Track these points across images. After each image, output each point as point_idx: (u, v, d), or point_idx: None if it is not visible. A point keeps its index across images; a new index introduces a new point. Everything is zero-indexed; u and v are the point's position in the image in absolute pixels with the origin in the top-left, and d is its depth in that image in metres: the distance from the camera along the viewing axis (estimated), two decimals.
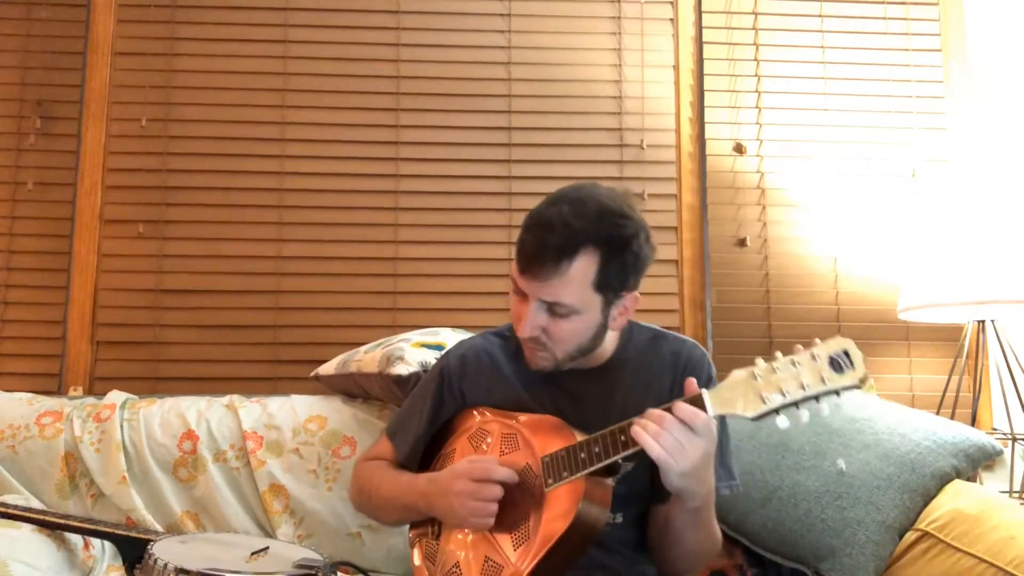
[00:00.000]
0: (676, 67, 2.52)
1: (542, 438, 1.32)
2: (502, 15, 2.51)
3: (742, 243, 2.45)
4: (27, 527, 1.55)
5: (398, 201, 2.42)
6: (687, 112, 2.50)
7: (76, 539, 1.63)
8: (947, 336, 2.40)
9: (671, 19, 2.53)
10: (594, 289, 1.29)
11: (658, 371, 1.41)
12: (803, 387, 1.10)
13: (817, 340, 1.12)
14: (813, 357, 1.11)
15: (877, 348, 2.42)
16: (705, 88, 2.50)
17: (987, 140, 2.50)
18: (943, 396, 2.23)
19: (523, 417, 1.38)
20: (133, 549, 1.51)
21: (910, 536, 1.60)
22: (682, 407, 1.16)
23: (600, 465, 1.21)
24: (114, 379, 2.23)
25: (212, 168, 2.40)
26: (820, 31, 2.54)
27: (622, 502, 1.35)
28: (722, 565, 1.82)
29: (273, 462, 1.83)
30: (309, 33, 2.46)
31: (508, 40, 2.50)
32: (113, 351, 2.32)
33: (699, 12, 2.53)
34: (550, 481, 1.25)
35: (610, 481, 1.25)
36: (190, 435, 1.85)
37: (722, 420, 1.39)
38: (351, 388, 1.97)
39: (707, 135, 2.48)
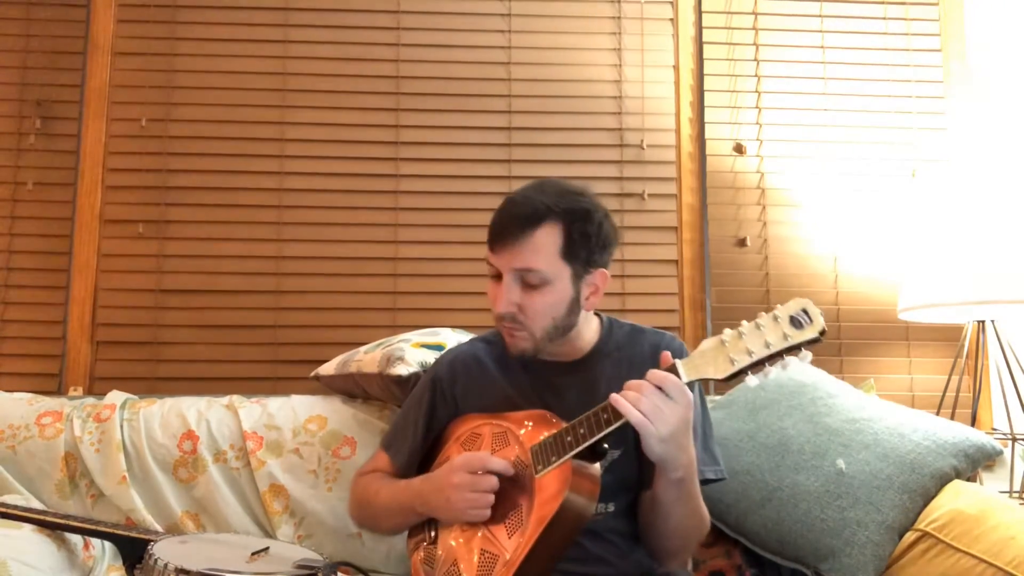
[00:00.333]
0: (676, 67, 2.52)
1: (531, 431, 1.36)
2: (502, 15, 2.51)
3: (742, 243, 2.45)
4: (27, 527, 1.54)
5: (398, 201, 2.42)
6: (687, 112, 2.50)
7: (76, 539, 1.63)
8: (947, 336, 2.40)
9: (671, 19, 2.53)
10: (561, 258, 1.37)
11: (639, 363, 1.43)
12: (767, 345, 1.19)
13: (778, 305, 1.21)
14: (775, 319, 1.20)
15: (877, 348, 2.42)
16: (705, 88, 2.50)
17: (987, 140, 2.50)
18: (943, 396, 2.23)
19: (513, 415, 1.42)
20: (133, 549, 1.51)
21: (910, 536, 1.60)
22: (655, 373, 1.24)
23: (586, 444, 1.26)
24: (114, 379, 2.23)
25: (212, 168, 2.40)
26: (820, 31, 2.54)
27: (613, 492, 1.40)
28: (721, 566, 1.82)
29: (273, 462, 1.83)
30: (309, 33, 2.46)
31: (508, 40, 2.50)
32: (113, 351, 2.32)
33: (699, 12, 2.53)
34: (539, 468, 1.29)
35: (597, 466, 1.29)
36: (190, 435, 1.85)
37: (703, 407, 1.48)
38: (351, 388, 1.97)
39: (707, 135, 2.48)
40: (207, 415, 1.89)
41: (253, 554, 1.36)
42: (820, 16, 2.55)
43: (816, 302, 2.35)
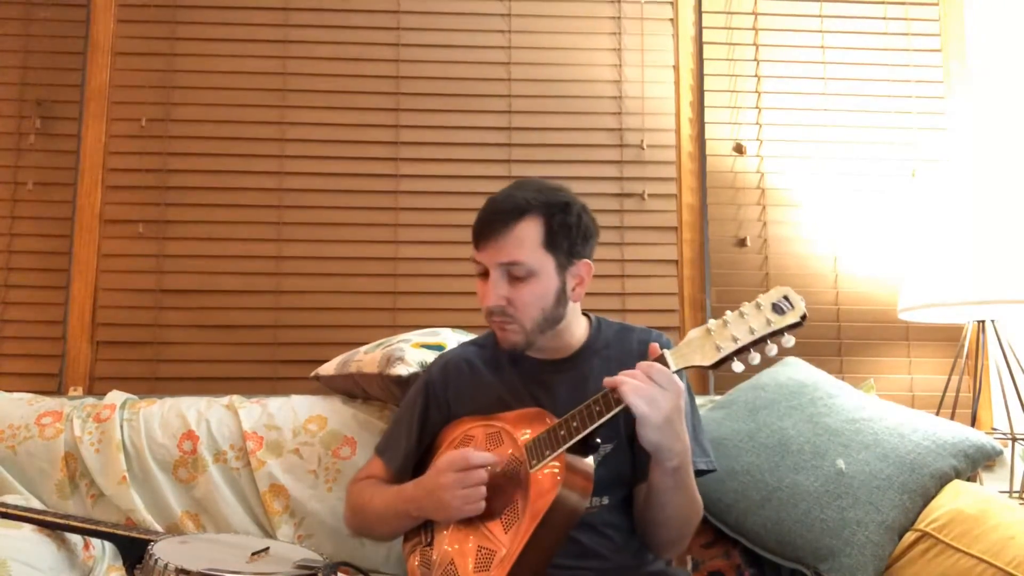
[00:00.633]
0: (676, 67, 2.52)
1: (525, 428, 1.38)
2: (502, 15, 2.51)
3: (742, 243, 2.45)
4: (27, 527, 1.54)
5: (398, 201, 2.42)
6: (687, 112, 2.50)
7: (76, 539, 1.63)
8: (947, 336, 2.40)
9: (671, 19, 2.53)
10: (544, 249, 1.42)
11: (628, 359, 1.44)
12: (752, 331, 1.23)
13: (760, 293, 1.26)
14: (758, 306, 1.24)
15: (877, 348, 2.42)
16: (705, 88, 2.50)
17: (987, 140, 2.50)
18: (943, 396, 2.23)
19: (506, 415, 1.44)
20: (133, 549, 1.51)
21: (909, 536, 1.60)
22: (643, 363, 1.26)
23: (580, 436, 1.27)
24: (114, 379, 2.23)
25: (212, 168, 2.40)
26: (820, 31, 2.54)
27: (607, 485, 1.42)
28: (720, 566, 1.82)
29: (273, 462, 1.83)
30: (309, 33, 2.46)
31: (508, 40, 2.50)
32: (113, 351, 2.32)
33: (699, 12, 2.53)
34: (534, 462, 1.31)
35: (590, 459, 1.31)
36: (190, 435, 1.85)
37: (691, 400, 1.51)
38: (351, 388, 1.97)
39: (707, 135, 2.48)
40: (207, 415, 1.89)
41: (253, 554, 1.36)
42: (820, 16, 2.55)
43: (816, 302, 2.42)
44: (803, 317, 1.22)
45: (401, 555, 1.74)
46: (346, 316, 2.36)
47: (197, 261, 2.36)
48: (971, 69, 2.54)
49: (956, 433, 1.71)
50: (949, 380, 2.24)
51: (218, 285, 2.36)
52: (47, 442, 1.83)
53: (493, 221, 1.42)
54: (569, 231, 1.44)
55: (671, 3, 2.54)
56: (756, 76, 2.52)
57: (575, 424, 1.28)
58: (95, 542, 1.68)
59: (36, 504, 1.76)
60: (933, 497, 1.64)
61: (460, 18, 2.50)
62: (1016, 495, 2.15)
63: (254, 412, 1.90)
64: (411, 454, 1.55)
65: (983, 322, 2.23)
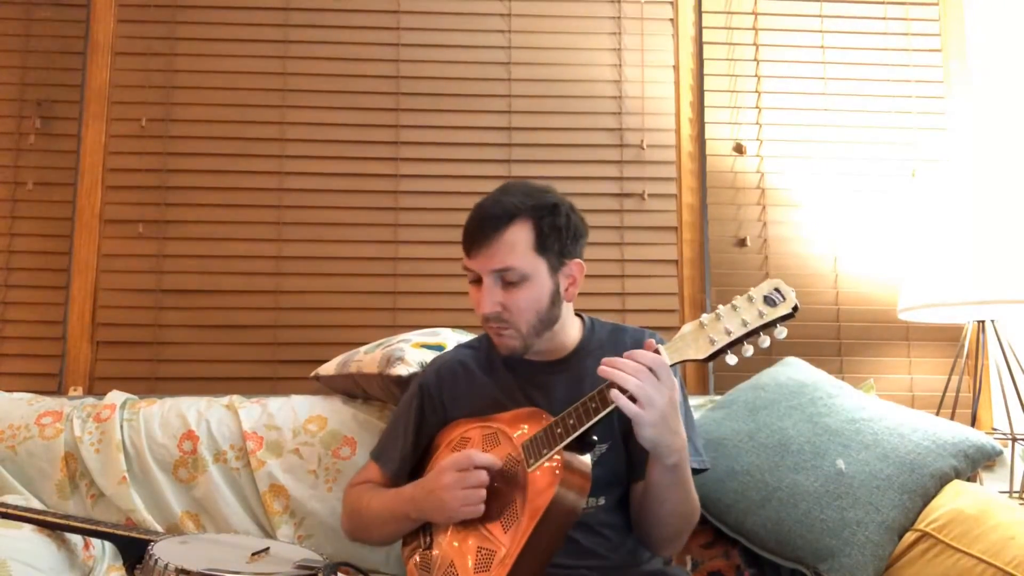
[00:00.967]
0: (676, 67, 2.52)
1: (521, 428, 1.38)
2: (502, 15, 2.51)
3: (742, 243, 2.45)
4: (27, 527, 1.54)
5: (398, 201, 2.42)
6: (687, 112, 2.50)
7: (76, 539, 1.63)
8: (947, 336, 2.40)
9: (671, 19, 2.54)
10: (535, 252, 1.42)
11: None
12: (744, 324, 1.24)
13: (752, 287, 1.27)
14: (750, 299, 1.26)
15: (877, 348, 2.42)
16: (705, 88, 2.50)
17: (987, 140, 2.50)
18: (943, 396, 2.23)
19: (502, 415, 1.44)
20: (133, 549, 1.51)
21: (909, 536, 1.60)
22: (639, 352, 1.26)
23: (576, 434, 1.28)
24: (114, 379, 2.23)
25: (212, 168, 2.40)
26: (820, 31, 2.54)
27: (604, 485, 1.42)
28: (720, 566, 1.82)
29: (273, 462, 1.83)
30: (309, 33, 2.46)
31: (508, 40, 2.50)
32: (113, 351, 2.32)
33: (699, 12, 2.53)
34: (531, 461, 1.31)
35: (587, 457, 1.31)
36: (190, 435, 1.85)
37: (684, 399, 1.51)
38: (351, 388, 1.97)
39: (707, 135, 2.48)
40: (207, 415, 1.89)
41: (253, 554, 1.36)
42: (820, 16, 2.55)
43: (816, 302, 2.42)
44: (795, 308, 1.24)
45: (401, 555, 1.74)
46: (346, 316, 2.36)
47: (197, 261, 2.36)
48: (971, 69, 2.54)
49: (956, 433, 1.71)
50: (949, 380, 2.24)
51: (218, 285, 2.36)
52: (47, 442, 1.83)
53: (483, 228, 1.42)
54: (559, 232, 1.44)
55: (671, 3, 2.54)
56: (756, 76, 2.52)
57: (571, 422, 1.28)
58: (95, 542, 1.68)
59: (36, 504, 1.76)
60: (933, 497, 1.64)
61: (460, 18, 2.50)
62: (1016, 495, 2.15)
63: (254, 412, 1.90)
64: (407, 458, 1.55)
65: (983, 322, 2.23)
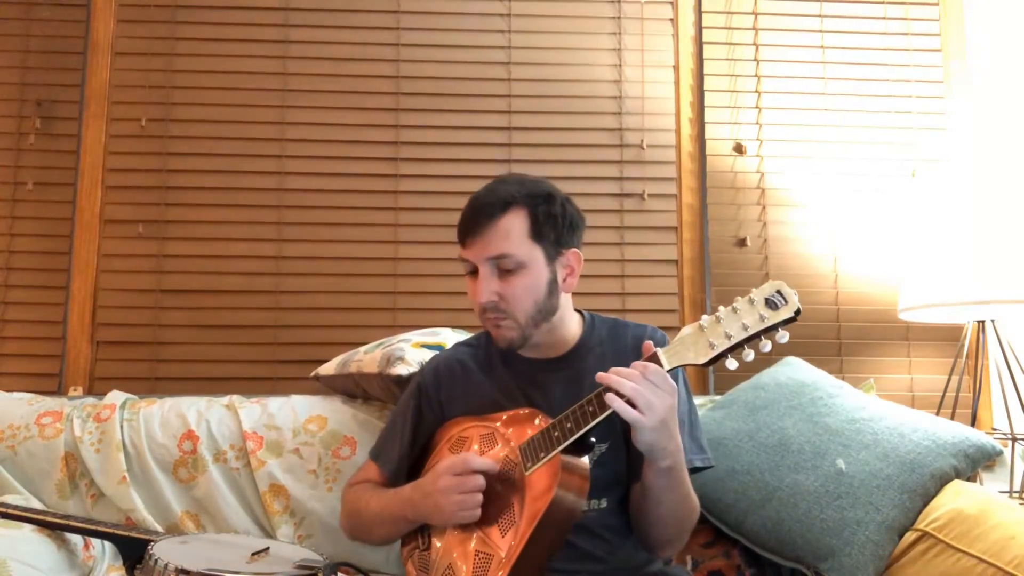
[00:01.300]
0: (676, 67, 2.52)
1: (518, 429, 1.37)
2: (502, 15, 2.51)
3: (742, 243, 2.45)
4: (27, 527, 1.55)
5: (398, 201, 2.42)
6: (687, 112, 2.50)
7: (76, 539, 1.63)
8: (947, 336, 2.40)
9: (671, 19, 2.53)
10: (531, 239, 1.41)
11: (622, 356, 1.44)
12: (745, 328, 1.20)
13: (753, 288, 1.23)
14: (751, 302, 1.22)
15: (877, 348, 2.42)
16: (705, 88, 2.50)
17: (987, 140, 2.50)
18: (943, 396, 2.23)
19: (500, 415, 1.43)
20: (133, 549, 1.51)
21: (910, 536, 1.60)
22: (638, 363, 1.25)
23: (574, 437, 1.26)
24: (114, 379, 2.23)
25: (212, 168, 2.40)
26: (820, 31, 2.54)
27: (605, 487, 1.41)
28: (720, 566, 1.82)
29: (273, 462, 1.83)
30: (309, 33, 2.46)
31: (508, 40, 2.50)
32: (113, 351, 2.32)
33: (699, 12, 2.53)
34: (529, 464, 1.30)
35: (585, 459, 1.29)
36: (190, 435, 1.85)
37: (688, 396, 1.50)
38: (351, 388, 1.97)
39: (707, 135, 2.48)
40: (207, 415, 1.89)
41: (253, 554, 1.36)
42: (820, 16, 2.55)
43: (816, 302, 2.41)
44: (797, 312, 1.20)
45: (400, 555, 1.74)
46: (346, 316, 2.36)
47: (197, 261, 2.36)
48: (971, 69, 2.54)
49: (956, 433, 1.71)
50: (949, 380, 2.24)
51: (218, 285, 2.36)
52: (47, 442, 1.83)
53: (478, 216, 1.41)
54: (555, 220, 1.43)
55: (671, 3, 2.54)
56: (756, 76, 2.52)
57: (569, 425, 1.27)
58: (95, 542, 1.68)
59: (36, 504, 1.76)
60: (933, 497, 1.64)
61: (460, 18, 2.50)
62: (1016, 495, 2.15)
63: (254, 412, 1.90)
64: (404, 457, 1.54)
65: (983, 322, 2.23)
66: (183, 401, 1.93)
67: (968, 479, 1.71)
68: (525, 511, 1.27)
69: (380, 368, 1.80)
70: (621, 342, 1.51)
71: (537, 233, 1.41)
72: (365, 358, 1.87)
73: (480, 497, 1.31)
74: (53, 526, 1.57)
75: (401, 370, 1.77)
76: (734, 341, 1.21)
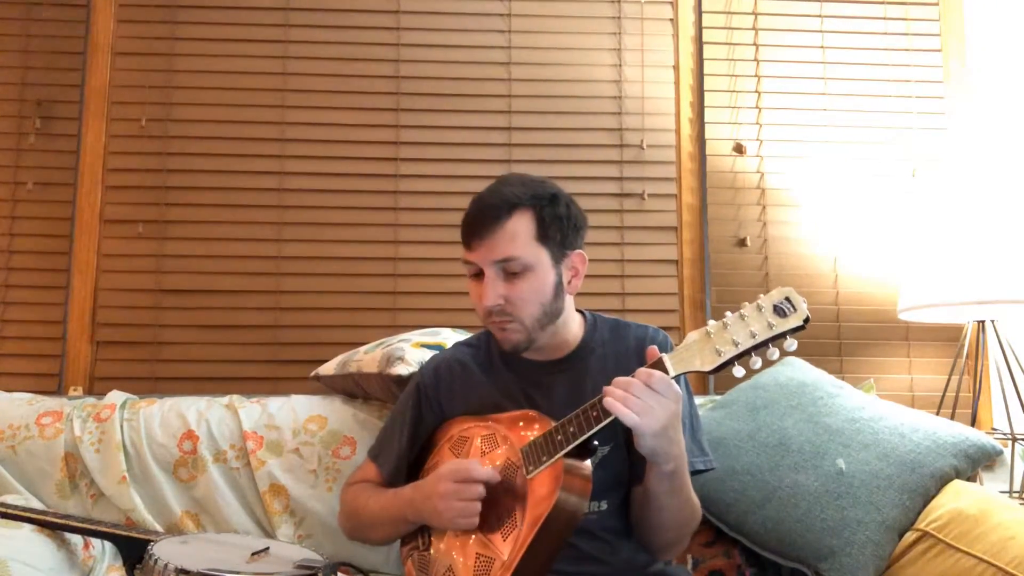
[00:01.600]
0: (676, 67, 2.52)
1: (520, 431, 1.36)
2: (502, 15, 2.51)
3: (742, 243, 2.45)
4: (27, 527, 1.54)
5: (398, 201, 2.42)
6: (687, 112, 2.50)
7: (76, 539, 1.63)
8: (947, 336, 2.40)
9: (671, 19, 2.53)
10: (537, 242, 1.39)
11: (624, 357, 1.44)
12: (753, 335, 1.19)
13: (761, 294, 1.21)
14: (759, 308, 1.20)
15: (877, 348, 2.42)
16: (705, 88, 2.50)
17: (987, 140, 2.50)
18: (943, 396, 2.23)
19: (500, 416, 1.42)
20: (133, 549, 1.51)
21: (910, 536, 1.60)
22: (643, 370, 1.23)
23: (577, 442, 1.25)
24: (114, 379, 2.24)
25: (212, 168, 2.40)
26: (820, 31, 2.54)
27: (606, 489, 1.40)
28: (720, 565, 1.82)
29: (273, 462, 1.83)
30: (309, 33, 2.46)
31: (508, 40, 2.50)
32: (113, 351, 2.32)
33: (699, 12, 2.53)
34: (531, 468, 1.29)
35: (587, 463, 1.28)
36: (190, 435, 1.85)
37: (690, 398, 1.50)
38: (351, 388, 1.97)
39: (707, 135, 2.48)
40: (207, 415, 1.89)
41: (253, 554, 1.36)
42: (820, 16, 2.55)
43: (816, 302, 2.41)
44: (806, 320, 1.18)
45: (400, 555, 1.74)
46: (346, 316, 2.36)
47: (197, 261, 2.36)
48: (971, 69, 2.54)
49: (956, 433, 1.71)
50: (949, 380, 2.24)
51: (218, 285, 2.36)
52: (47, 442, 1.83)
53: (483, 219, 1.39)
54: (560, 222, 1.41)
55: (671, 3, 2.54)
56: (756, 76, 2.52)
57: (572, 429, 1.26)
58: (95, 542, 1.67)
59: (36, 504, 1.76)
60: (933, 497, 1.64)
61: (460, 18, 2.50)
62: (1016, 495, 2.15)
63: (254, 412, 1.90)
64: (404, 457, 1.54)
65: (983, 322, 2.23)
66: (183, 401, 1.93)
67: (968, 479, 1.71)
68: (527, 515, 1.26)
69: (380, 368, 1.80)
70: (623, 343, 1.50)
71: (543, 235, 1.40)
72: (365, 358, 1.87)
73: (479, 506, 1.30)
74: (53, 526, 1.57)
75: (401, 370, 1.77)
76: (741, 349, 1.19)
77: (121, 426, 1.85)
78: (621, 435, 1.42)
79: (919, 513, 1.62)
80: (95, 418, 1.86)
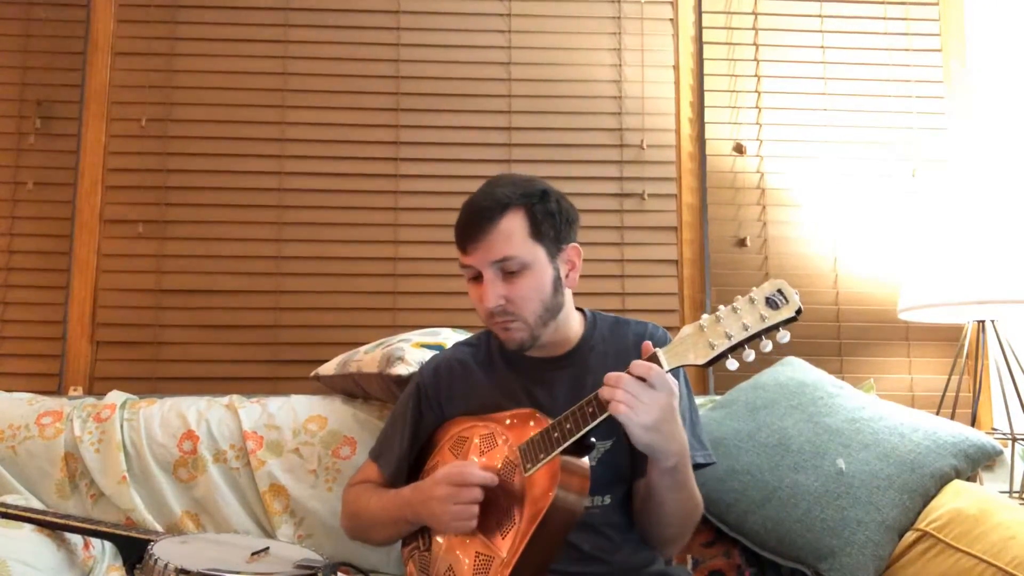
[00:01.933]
0: (676, 67, 2.52)
1: (518, 430, 1.36)
2: (502, 15, 2.51)
3: (742, 243, 2.45)
4: (27, 527, 1.54)
5: (398, 201, 2.42)
6: (687, 112, 2.50)
7: (76, 539, 1.63)
8: (947, 336, 2.40)
9: (671, 19, 2.54)
10: (532, 239, 1.41)
11: (624, 354, 1.44)
12: (745, 328, 1.19)
13: (753, 287, 1.21)
14: (751, 301, 1.20)
15: (877, 348, 2.42)
16: (705, 88, 2.50)
17: (987, 140, 2.50)
18: (943, 396, 2.23)
19: (500, 415, 1.43)
20: (133, 549, 1.51)
21: (910, 536, 1.60)
22: (636, 364, 1.24)
23: (574, 439, 1.26)
24: (114, 379, 2.24)
25: (212, 168, 2.40)
26: (820, 31, 2.54)
27: (608, 484, 1.41)
28: (720, 565, 1.82)
29: (273, 462, 1.83)
30: (309, 33, 2.46)
31: (508, 40, 2.50)
32: (113, 351, 2.32)
33: (699, 12, 2.53)
34: (528, 466, 1.29)
35: (586, 460, 1.29)
36: (190, 435, 1.85)
37: (688, 394, 1.50)
38: (351, 388, 1.97)
39: (707, 135, 2.48)
40: (207, 415, 1.89)
41: (253, 554, 1.36)
42: (820, 16, 2.55)
43: (816, 302, 2.42)
44: (798, 311, 1.18)
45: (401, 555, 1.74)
46: (346, 316, 2.36)
47: (197, 261, 2.36)
48: (971, 69, 2.54)
49: (956, 433, 1.71)
50: (949, 380, 2.24)
51: (218, 285, 2.36)
52: (47, 442, 1.83)
53: (477, 221, 1.40)
54: (553, 218, 1.43)
55: (671, 3, 2.54)
56: (756, 76, 2.52)
57: (569, 426, 1.27)
58: (95, 542, 1.68)
59: (36, 504, 1.76)
60: (933, 497, 1.64)
61: (460, 18, 2.50)
62: (1016, 495, 2.15)
63: (254, 412, 1.90)
64: (405, 458, 1.54)
65: (983, 322, 2.23)
66: (183, 401, 1.93)
67: (968, 479, 1.71)
68: (525, 512, 1.27)
69: (380, 368, 1.80)
70: (623, 340, 1.51)
71: (537, 232, 1.41)
72: (365, 358, 1.87)
73: (475, 509, 1.30)
74: (53, 526, 1.57)
75: (401, 370, 1.77)
76: (734, 341, 1.19)
77: (121, 426, 1.85)
78: (621, 431, 1.42)
79: (919, 513, 1.62)
80: (95, 418, 1.86)
